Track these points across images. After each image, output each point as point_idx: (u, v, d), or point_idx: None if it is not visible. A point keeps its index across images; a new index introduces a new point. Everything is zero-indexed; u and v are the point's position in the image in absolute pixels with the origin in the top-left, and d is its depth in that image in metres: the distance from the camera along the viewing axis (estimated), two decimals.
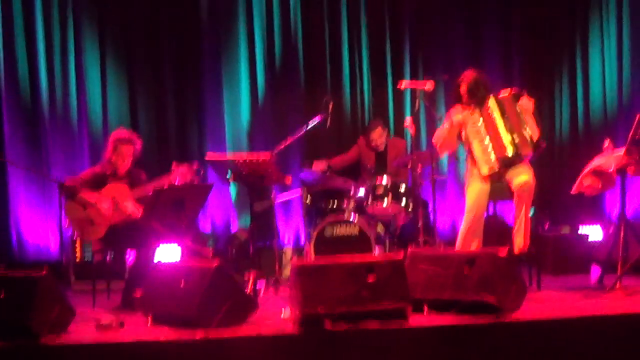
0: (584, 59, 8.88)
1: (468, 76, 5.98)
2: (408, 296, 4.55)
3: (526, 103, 5.88)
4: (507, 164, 5.85)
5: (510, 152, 5.82)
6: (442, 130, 6.04)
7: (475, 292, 4.60)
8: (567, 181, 6.25)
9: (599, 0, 8.81)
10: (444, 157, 7.79)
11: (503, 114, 5.88)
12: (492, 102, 5.93)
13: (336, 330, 4.40)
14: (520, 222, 5.78)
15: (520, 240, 5.76)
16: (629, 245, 5.56)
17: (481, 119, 5.92)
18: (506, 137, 5.85)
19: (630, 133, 5.46)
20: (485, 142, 5.89)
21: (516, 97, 5.91)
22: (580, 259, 6.75)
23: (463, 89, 5.97)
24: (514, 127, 5.85)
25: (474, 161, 5.96)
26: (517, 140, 5.83)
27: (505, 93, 5.98)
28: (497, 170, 5.85)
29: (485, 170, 5.86)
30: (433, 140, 6.18)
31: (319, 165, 7.45)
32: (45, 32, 8.14)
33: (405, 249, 5.77)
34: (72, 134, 8.18)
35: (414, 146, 6.63)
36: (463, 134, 6.01)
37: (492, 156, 5.85)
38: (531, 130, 5.80)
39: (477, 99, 5.93)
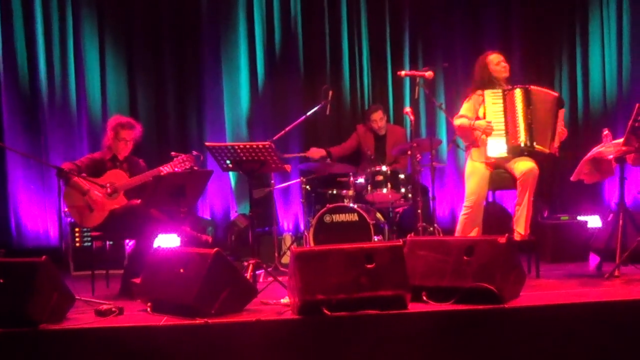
0: (584, 48, 8.87)
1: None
2: (407, 283, 4.54)
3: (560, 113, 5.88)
4: (516, 152, 5.83)
5: (523, 139, 5.80)
6: (466, 124, 5.98)
7: (475, 279, 4.58)
8: (566, 169, 6.25)
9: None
10: (443, 145, 7.78)
11: (528, 103, 5.85)
12: (519, 90, 5.88)
13: (335, 317, 4.40)
14: (522, 209, 5.77)
15: (521, 228, 5.75)
16: (627, 234, 5.56)
17: (502, 101, 5.89)
18: (523, 126, 5.82)
19: (630, 122, 5.44)
20: (500, 124, 5.87)
21: (558, 101, 5.89)
22: (579, 246, 6.76)
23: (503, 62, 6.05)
24: (535, 119, 5.81)
25: (477, 145, 5.95)
26: (532, 132, 5.80)
27: (540, 90, 5.95)
28: (505, 155, 5.85)
29: (492, 152, 5.83)
30: (455, 130, 6.15)
31: (317, 153, 7.45)
32: (44, 19, 8.16)
33: (405, 236, 5.77)
34: (71, 121, 8.21)
35: (413, 134, 6.62)
36: (481, 111, 5.98)
37: (504, 139, 5.84)
38: (552, 135, 5.80)
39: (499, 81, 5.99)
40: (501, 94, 5.91)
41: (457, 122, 6.06)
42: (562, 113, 5.93)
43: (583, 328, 4.50)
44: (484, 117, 5.90)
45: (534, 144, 5.79)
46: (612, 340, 4.49)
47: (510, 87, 5.94)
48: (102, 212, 5.91)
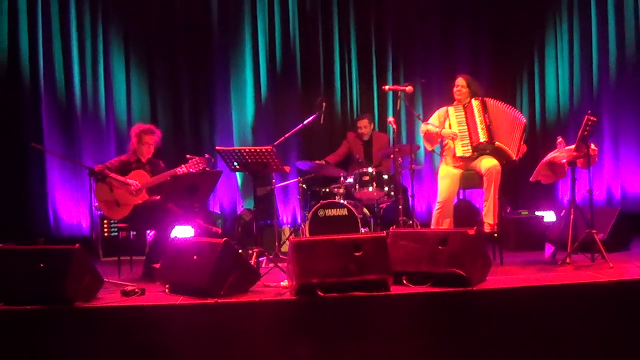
0: (541, 67, 8.87)
1: (464, 79, 6.16)
2: (389, 269, 4.54)
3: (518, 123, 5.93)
4: (479, 150, 5.88)
5: (483, 139, 5.87)
6: (433, 130, 6.04)
7: (448, 265, 4.59)
8: (526, 172, 6.24)
9: (553, 19, 8.80)
10: (421, 150, 7.78)
11: (485, 110, 5.95)
12: (475, 101, 6.01)
13: (327, 298, 4.40)
14: (489, 202, 5.79)
15: (490, 218, 5.77)
16: (578, 227, 5.56)
17: (463, 112, 6.01)
18: (482, 128, 5.90)
19: (579, 131, 5.47)
20: (463, 131, 5.96)
21: (513, 115, 5.97)
22: (536, 237, 6.75)
23: (460, 87, 6.13)
24: (493, 122, 5.91)
25: (449, 150, 5.98)
26: (492, 133, 5.88)
27: (496, 102, 6.03)
28: (470, 154, 5.90)
29: (459, 152, 5.91)
30: (421, 134, 6.20)
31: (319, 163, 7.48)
32: (78, 41, 8.17)
33: (388, 228, 5.76)
34: (101, 128, 8.20)
35: (396, 140, 6.61)
36: (446, 123, 6.05)
37: (468, 141, 5.92)
38: (511, 138, 5.87)
39: (465, 96, 6.09)
40: (462, 107, 6.07)
41: (423, 128, 6.15)
42: (524, 130, 5.97)
43: (540, 307, 4.51)
44: (450, 128, 6.01)
45: (495, 141, 5.88)
46: (564, 316, 4.51)
47: (468, 100, 6.07)
48: (128, 206, 5.90)
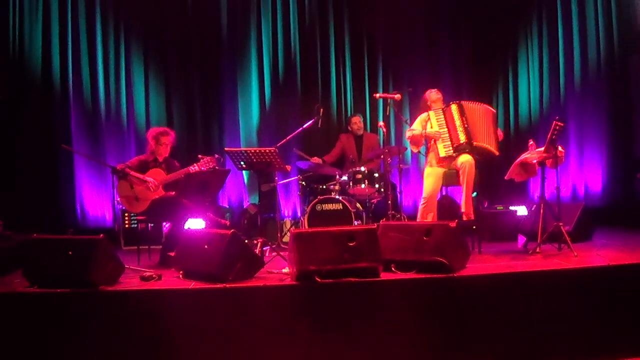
0: (514, 79, 8.92)
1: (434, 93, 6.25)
2: (380, 257, 4.53)
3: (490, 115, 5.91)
4: (459, 149, 5.87)
5: (463, 139, 5.87)
6: (417, 134, 6.04)
7: (432, 254, 4.58)
8: (501, 171, 6.23)
9: (525, 36, 8.84)
10: (408, 151, 7.78)
11: (462, 114, 5.93)
12: (454, 106, 5.99)
13: (324, 283, 4.39)
14: (464, 192, 5.79)
15: (464, 207, 5.77)
16: (546, 220, 5.56)
17: (443, 116, 6.00)
18: (462, 129, 5.89)
19: (548, 135, 5.47)
20: (444, 133, 5.93)
21: (487, 110, 5.96)
22: (510, 229, 6.75)
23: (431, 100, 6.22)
24: (470, 124, 5.90)
25: (433, 151, 5.97)
26: (470, 134, 5.87)
27: (470, 103, 6.00)
28: (452, 154, 5.89)
29: (442, 152, 5.91)
30: (407, 139, 6.19)
31: (316, 160, 7.46)
32: (103, 53, 8.14)
33: (378, 221, 5.75)
34: (122, 131, 8.17)
35: (385, 142, 6.63)
36: (428, 125, 6.04)
37: (449, 142, 5.90)
38: (489, 134, 5.87)
39: (440, 105, 6.12)
40: (441, 111, 6.05)
41: (409, 133, 6.15)
42: (495, 120, 5.99)
43: (513, 290, 4.52)
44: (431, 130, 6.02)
45: (473, 142, 5.87)
46: (534, 298, 4.52)
47: (446, 105, 6.05)
48: (146, 201, 5.88)
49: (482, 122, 5.93)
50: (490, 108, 6.05)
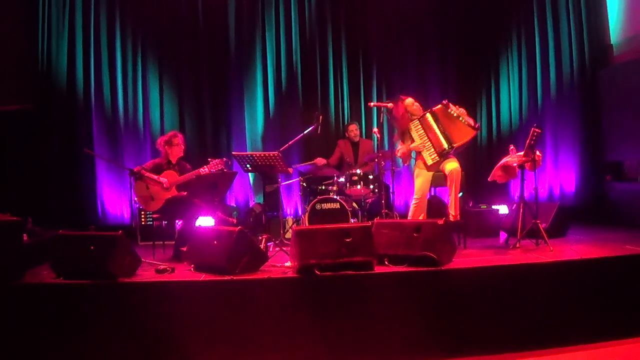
0: (497, 89, 8.90)
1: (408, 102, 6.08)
2: (374, 252, 4.54)
3: (457, 109, 5.88)
4: (444, 155, 5.85)
5: (446, 146, 5.82)
6: (405, 151, 5.98)
7: (421, 249, 4.58)
8: (484, 173, 6.23)
9: (505, 48, 8.83)
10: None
11: (437, 121, 5.88)
12: (428, 114, 5.93)
13: (323, 276, 4.39)
14: (452, 197, 5.76)
15: (453, 210, 5.75)
16: (526, 218, 5.56)
17: (420, 126, 5.93)
18: (442, 136, 5.85)
19: (527, 141, 5.47)
20: (426, 142, 5.89)
21: (445, 107, 5.89)
22: (493, 226, 6.74)
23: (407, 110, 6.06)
24: (446, 128, 5.86)
25: (420, 157, 5.95)
26: (449, 137, 5.83)
27: (438, 106, 5.97)
28: (438, 160, 5.85)
29: (429, 161, 5.86)
30: (398, 155, 6.14)
31: (320, 161, 7.44)
32: (122, 67, 8.15)
33: (373, 219, 5.75)
34: (139, 136, 8.17)
35: (379, 146, 6.61)
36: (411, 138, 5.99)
37: (433, 150, 5.86)
38: (465, 122, 5.79)
39: (416, 115, 6.01)
40: (417, 122, 5.96)
41: (399, 153, 6.08)
42: (458, 108, 5.89)
43: (495, 282, 4.53)
44: (413, 141, 5.95)
45: (453, 144, 5.82)
46: (514, 289, 4.55)
47: (422, 114, 5.98)
48: (160, 200, 5.88)
49: (452, 120, 5.86)
50: (443, 101, 5.93)
